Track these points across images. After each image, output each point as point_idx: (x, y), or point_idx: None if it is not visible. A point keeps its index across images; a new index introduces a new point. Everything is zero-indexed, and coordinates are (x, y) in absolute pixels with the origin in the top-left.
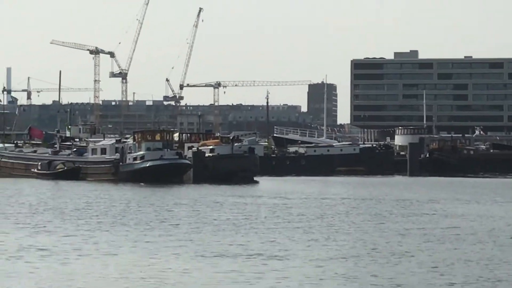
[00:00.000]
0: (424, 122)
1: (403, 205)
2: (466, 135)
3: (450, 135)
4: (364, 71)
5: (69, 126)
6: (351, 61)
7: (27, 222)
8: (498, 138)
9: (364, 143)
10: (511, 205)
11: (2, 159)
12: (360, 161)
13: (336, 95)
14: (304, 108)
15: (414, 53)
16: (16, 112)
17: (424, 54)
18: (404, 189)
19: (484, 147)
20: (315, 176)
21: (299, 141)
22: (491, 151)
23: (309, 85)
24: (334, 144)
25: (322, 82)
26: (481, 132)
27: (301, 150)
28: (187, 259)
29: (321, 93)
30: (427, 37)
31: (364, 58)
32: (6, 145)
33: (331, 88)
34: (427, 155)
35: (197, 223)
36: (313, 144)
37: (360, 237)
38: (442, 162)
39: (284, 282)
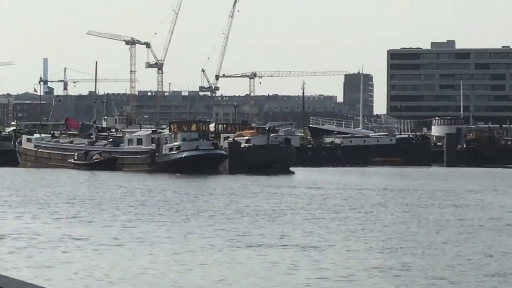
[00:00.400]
0: (461, 112)
1: (440, 196)
2: (503, 125)
3: (487, 125)
4: (401, 61)
5: (106, 117)
6: (388, 51)
7: (64, 213)
8: None
9: (400, 134)
10: None
11: (39, 150)
12: (397, 151)
13: (372, 86)
14: (340, 99)
15: (451, 43)
16: (53, 103)
17: (461, 44)
18: (441, 180)
19: None
20: (351, 166)
21: (335, 132)
22: None
23: (345, 75)
24: (370, 135)
25: (358, 72)
26: None
27: (337, 141)
28: (224, 250)
29: (357, 83)
30: (464, 27)
31: (401, 48)
32: (43, 135)
33: (367, 78)
34: (464, 146)
35: (233, 213)
36: (349, 135)
37: (397, 228)
38: (479, 152)
39: (321, 273)
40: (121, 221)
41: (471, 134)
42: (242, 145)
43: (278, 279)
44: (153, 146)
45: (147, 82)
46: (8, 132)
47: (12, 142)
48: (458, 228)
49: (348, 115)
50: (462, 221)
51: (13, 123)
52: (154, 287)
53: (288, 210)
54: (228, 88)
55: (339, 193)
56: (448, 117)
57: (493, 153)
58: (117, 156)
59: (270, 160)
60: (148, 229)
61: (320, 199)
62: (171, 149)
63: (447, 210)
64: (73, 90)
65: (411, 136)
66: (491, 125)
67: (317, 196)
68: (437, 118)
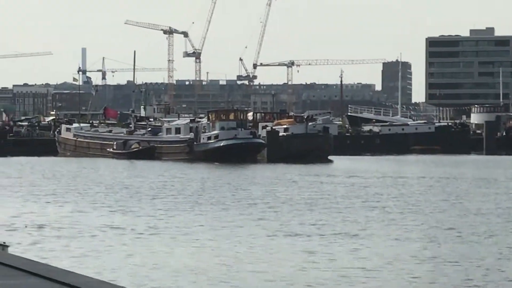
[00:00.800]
0: (501, 100)
1: (480, 184)
2: None
3: None
4: (439, 49)
5: (144, 106)
6: (426, 39)
7: (104, 201)
8: None
9: (439, 122)
10: None
11: (78, 139)
12: (436, 139)
13: (410, 73)
14: (378, 87)
15: (490, 30)
16: (92, 93)
17: (500, 31)
18: (481, 168)
19: None
20: (389, 155)
21: (374, 120)
22: None
23: (383, 63)
24: (409, 123)
25: (397, 60)
26: None
27: (376, 129)
28: (263, 239)
29: (396, 71)
30: (504, 13)
31: (439, 36)
32: (82, 125)
33: (406, 66)
34: (504, 133)
35: (272, 202)
36: (387, 123)
37: (437, 216)
38: None
39: (361, 262)
40: (160, 210)
41: (510, 122)
42: (280, 134)
43: (318, 268)
44: (191, 135)
45: (185, 71)
46: (48, 121)
47: (51, 132)
48: (497, 216)
49: (387, 103)
50: (501, 209)
51: (52, 112)
52: (195, 276)
53: (327, 199)
54: (266, 77)
55: (378, 181)
56: (487, 105)
57: None
58: (155, 145)
59: (308, 149)
60: (188, 218)
61: (359, 187)
62: (209, 138)
63: (488, 198)
64: (111, 80)
65: (450, 124)
66: None
67: (356, 184)
68: (476, 105)
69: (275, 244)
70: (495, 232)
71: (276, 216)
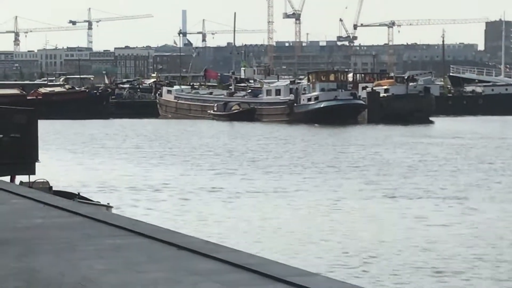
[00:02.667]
0: None
1: None
2: None
3: None
4: None
5: (245, 67)
6: None
7: (206, 164)
8: None
9: None
10: None
11: (179, 101)
12: None
13: None
14: (481, 47)
15: None
16: (193, 55)
17: None
18: None
19: None
20: (493, 116)
21: (476, 80)
22: None
23: (486, 23)
24: None
25: (500, 19)
26: None
27: (478, 89)
28: (365, 201)
29: (499, 31)
30: None
31: None
32: (183, 87)
33: (509, 25)
34: None
35: (374, 164)
36: (490, 83)
37: None
38: None
39: (465, 226)
40: (264, 174)
41: None
42: (381, 95)
43: (419, 231)
44: (291, 96)
45: (284, 33)
46: (149, 84)
47: (152, 94)
48: None
49: (490, 63)
50: None
51: (153, 75)
52: (293, 238)
53: (429, 161)
54: (366, 38)
55: (482, 143)
56: None
57: None
58: (255, 107)
59: (409, 110)
60: (289, 180)
61: (462, 149)
62: (309, 100)
63: None
64: (211, 42)
65: None
66: None
67: (459, 146)
68: None
69: (376, 207)
70: None
71: (377, 179)
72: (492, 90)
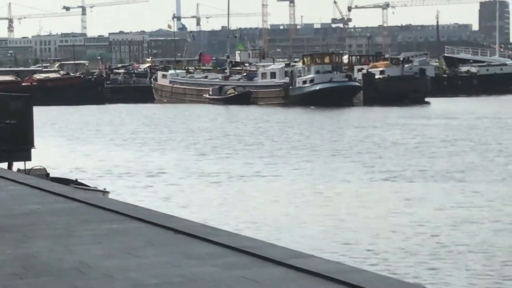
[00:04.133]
0: None
1: None
2: None
3: None
4: None
5: (241, 48)
6: None
7: (202, 148)
8: None
9: None
10: None
11: (175, 85)
12: None
13: (508, 13)
14: (475, 27)
15: None
16: (188, 39)
17: None
18: None
19: None
20: (488, 96)
21: (471, 61)
22: None
23: (480, 3)
24: (507, 63)
25: None
26: None
27: (473, 70)
28: (361, 182)
29: (493, 11)
30: None
31: None
32: (178, 71)
33: (503, 5)
34: None
35: (370, 146)
36: (485, 63)
37: None
38: None
39: (461, 205)
40: (260, 157)
41: None
42: (376, 77)
43: (415, 211)
44: (287, 79)
45: (279, 16)
46: (144, 68)
47: (147, 79)
48: None
49: (484, 44)
50: None
51: (148, 60)
52: (291, 220)
53: (426, 142)
54: (361, 19)
55: (477, 123)
56: None
57: None
58: (251, 90)
59: (405, 91)
60: (287, 163)
61: (458, 129)
62: (304, 82)
63: None
64: (205, 26)
65: None
66: None
67: (455, 126)
68: None
69: (374, 188)
70: None
71: (374, 160)
72: (487, 70)
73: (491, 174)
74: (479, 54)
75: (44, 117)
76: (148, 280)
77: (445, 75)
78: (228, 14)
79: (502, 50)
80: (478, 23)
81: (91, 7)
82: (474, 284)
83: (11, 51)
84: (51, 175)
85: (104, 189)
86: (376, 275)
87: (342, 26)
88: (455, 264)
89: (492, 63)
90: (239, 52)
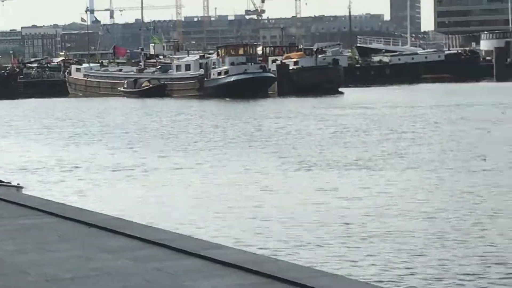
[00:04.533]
0: (510, 25)
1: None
2: None
3: None
4: None
5: (157, 41)
6: None
7: (116, 142)
8: None
9: (449, 50)
10: None
11: (89, 79)
12: (446, 68)
13: (419, 2)
14: (387, 17)
15: None
16: (100, 32)
17: None
18: (492, 94)
19: None
20: (400, 85)
21: (383, 50)
22: None
23: None
24: (418, 52)
25: None
26: None
27: (386, 59)
28: (278, 173)
29: (404, 1)
30: None
31: None
32: (92, 65)
33: None
34: None
35: (285, 136)
36: (397, 53)
37: (451, 143)
38: None
39: (379, 194)
40: (175, 150)
41: None
42: (290, 68)
43: (329, 201)
44: (202, 71)
45: (193, 8)
46: (57, 62)
47: (61, 73)
48: None
49: (396, 33)
50: None
51: (61, 53)
52: (208, 212)
53: (340, 131)
54: (274, 11)
55: (390, 112)
56: (496, 31)
57: None
58: (166, 82)
59: (319, 81)
60: (201, 154)
61: (372, 119)
62: (219, 74)
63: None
64: (119, 19)
65: (459, 51)
66: None
67: (369, 116)
68: (485, 32)
69: (288, 179)
70: None
71: (290, 151)
72: (399, 59)
73: (404, 163)
74: (391, 44)
75: None
76: (62, 274)
77: (358, 65)
78: (142, 6)
79: (413, 39)
80: (390, 13)
81: (3, 0)
82: (386, 271)
83: None
84: None
85: (18, 184)
86: (290, 264)
87: (256, 18)
88: (367, 252)
89: (404, 53)
90: (153, 44)
